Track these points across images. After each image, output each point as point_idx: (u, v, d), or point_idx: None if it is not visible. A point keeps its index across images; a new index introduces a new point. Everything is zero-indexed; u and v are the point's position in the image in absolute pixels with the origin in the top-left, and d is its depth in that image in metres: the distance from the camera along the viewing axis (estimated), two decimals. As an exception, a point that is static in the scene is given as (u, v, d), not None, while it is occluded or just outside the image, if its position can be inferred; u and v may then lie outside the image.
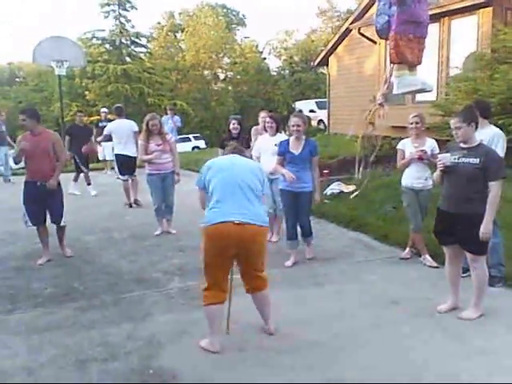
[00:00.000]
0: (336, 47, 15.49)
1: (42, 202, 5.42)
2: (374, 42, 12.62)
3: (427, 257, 5.15)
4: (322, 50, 17.60)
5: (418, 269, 5.06)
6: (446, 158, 3.78)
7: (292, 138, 5.32)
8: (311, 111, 22.50)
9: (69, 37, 15.19)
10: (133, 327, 3.81)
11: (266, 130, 6.41)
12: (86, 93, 31.87)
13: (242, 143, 6.35)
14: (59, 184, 5.54)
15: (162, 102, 31.47)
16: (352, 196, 6.28)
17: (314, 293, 4.49)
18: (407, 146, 5.19)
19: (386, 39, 4.64)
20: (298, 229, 5.47)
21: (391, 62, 4.60)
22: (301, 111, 19.37)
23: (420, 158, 5.03)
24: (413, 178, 5.16)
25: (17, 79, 51.64)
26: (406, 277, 4.84)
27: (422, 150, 5.01)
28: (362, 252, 5.72)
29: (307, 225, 5.45)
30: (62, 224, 5.64)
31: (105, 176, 11.99)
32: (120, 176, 8.48)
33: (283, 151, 5.29)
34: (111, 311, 4.14)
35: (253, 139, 6.84)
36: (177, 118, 13.80)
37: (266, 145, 6.07)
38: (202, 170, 3.59)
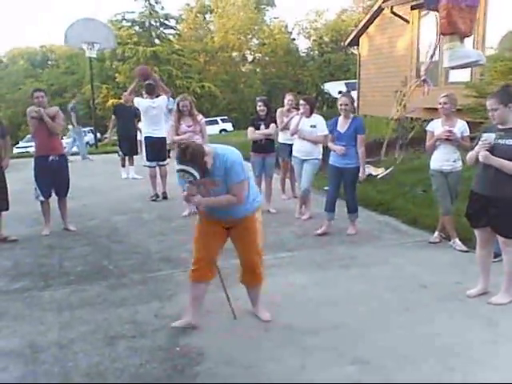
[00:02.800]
0: (367, 27, 15.15)
1: (52, 176, 5.78)
2: (407, 22, 12.29)
3: (457, 241, 5.06)
4: (352, 30, 17.29)
5: (448, 253, 4.97)
6: (490, 138, 3.62)
7: (340, 117, 5.61)
8: (340, 93, 22.16)
9: (99, 19, 15.34)
10: (160, 305, 3.88)
11: (291, 111, 6.70)
12: (116, 75, 32.16)
13: (268, 123, 6.46)
14: (65, 157, 6.02)
15: (190, 84, 31.57)
16: (379, 177, 6.17)
17: (340, 275, 4.47)
18: (436, 128, 5.06)
19: (434, 10, 4.42)
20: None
21: (442, 34, 4.36)
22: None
23: (447, 139, 4.89)
24: (441, 160, 5.03)
25: (49, 62, 52.44)
26: (435, 261, 4.76)
27: (450, 131, 4.88)
28: (391, 235, 5.65)
29: (352, 200, 5.73)
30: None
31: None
32: (147, 163, 7.59)
33: (331, 129, 5.67)
34: (139, 289, 4.22)
35: (278, 121, 6.90)
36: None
37: (302, 126, 6.20)
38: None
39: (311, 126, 6.12)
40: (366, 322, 3.55)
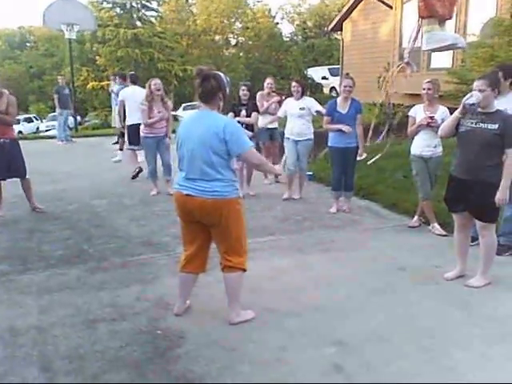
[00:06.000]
0: (351, 12, 15.15)
1: (6, 159, 5.73)
2: (390, 7, 12.31)
3: (436, 225, 5.13)
4: (336, 15, 17.23)
5: (427, 237, 5.05)
6: (478, 95, 3.54)
7: (340, 98, 5.87)
8: (324, 78, 22.14)
9: (79, 0, 15.01)
10: (141, 289, 3.87)
11: (271, 95, 7.08)
12: (97, 58, 31.60)
13: (250, 109, 6.52)
14: (17, 141, 5.96)
15: (172, 67, 31.11)
16: (369, 163, 6.24)
17: (320, 259, 4.50)
18: (418, 113, 5.09)
19: None
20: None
21: (420, 17, 4.38)
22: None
23: (428, 125, 4.93)
24: (422, 146, 5.08)
25: (27, 44, 51.34)
26: (414, 245, 4.83)
27: (431, 117, 4.92)
28: (371, 220, 5.71)
29: (351, 179, 5.98)
30: (27, 177, 5.98)
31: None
32: (130, 146, 7.94)
33: (331, 111, 5.81)
34: (120, 273, 4.20)
35: (259, 104, 7.02)
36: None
37: (291, 109, 6.38)
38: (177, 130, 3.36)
39: (300, 109, 6.30)
40: (346, 304, 3.60)
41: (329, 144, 5.97)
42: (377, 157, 5.69)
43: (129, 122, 7.87)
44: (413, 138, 5.19)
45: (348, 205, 6.03)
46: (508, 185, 3.61)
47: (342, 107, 5.77)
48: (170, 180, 6.88)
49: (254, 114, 6.64)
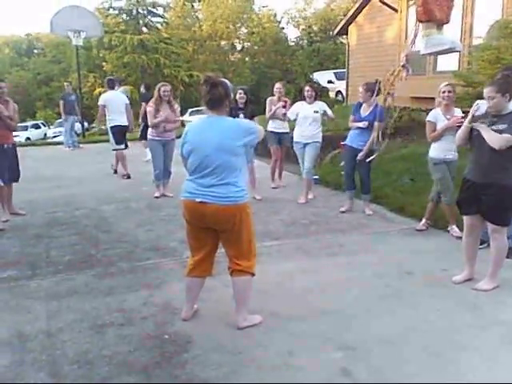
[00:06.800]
0: (356, 16, 15.15)
1: (8, 163, 5.99)
2: (395, 10, 12.31)
3: (455, 227, 5.06)
4: (341, 19, 17.24)
5: (434, 240, 5.03)
6: (483, 106, 3.60)
7: (365, 103, 6.02)
8: (329, 82, 22.10)
9: (86, 7, 15.15)
10: (149, 294, 3.88)
11: (281, 100, 7.07)
12: (103, 64, 31.81)
13: (249, 113, 6.58)
14: (15, 146, 6.22)
15: (178, 73, 31.29)
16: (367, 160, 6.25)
17: (327, 263, 4.50)
18: (439, 118, 5.02)
19: None
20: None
21: (418, 21, 4.39)
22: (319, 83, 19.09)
23: (459, 126, 4.83)
24: (445, 149, 5.00)
25: (35, 50, 51.75)
26: (422, 248, 4.81)
27: (463, 117, 4.74)
28: (378, 223, 5.70)
29: (367, 180, 6.08)
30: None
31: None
32: (117, 146, 8.51)
33: (354, 112, 6.08)
34: (128, 278, 4.22)
35: (267, 109, 7.10)
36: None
37: (305, 112, 6.58)
38: (182, 136, 3.32)
39: (315, 112, 6.54)
40: (353, 308, 3.59)
41: (346, 143, 6.16)
42: (372, 157, 5.68)
43: (111, 123, 8.45)
44: (432, 143, 5.12)
45: (369, 207, 6.12)
46: None
47: (364, 110, 5.94)
48: (166, 183, 7.15)
49: (256, 119, 6.68)
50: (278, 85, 7.23)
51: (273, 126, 7.17)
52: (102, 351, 3.08)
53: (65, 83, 13.68)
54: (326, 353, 3.01)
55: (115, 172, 8.83)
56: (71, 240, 5.26)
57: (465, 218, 3.94)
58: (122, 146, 8.57)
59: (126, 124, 8.55)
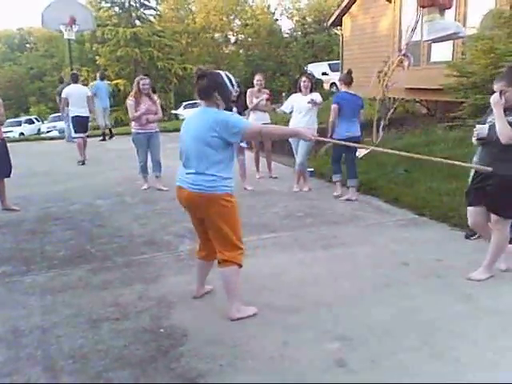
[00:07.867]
0: (350, 7, 15.09)
1: None
2: (389, 1, 12.26)
3: None
4: (335, 10, 17.15)
5: (428, 231, 5.04)
6: (483, 130, 3.65)
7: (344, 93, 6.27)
8: (324, 74, 22.11)
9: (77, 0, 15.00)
10: (144, 288, 3.88)
11: (261, 92, 7.31)
12: (97, 58, 31.60)
13: (241, 106, 6.64)
14: (5, 141, 6.18)
15: (172, 66, 31.12)
16: (359, 157, 6.28)
17: (322, 255, 4.50)
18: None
19: None
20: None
21: (421, 6, 4.32)
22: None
23: None
24: None
25: (27, 45, 51.34)
26: (416, 239, 4.82)
27: None
28: (373, 215, 5.70)
29: (353, 166, 6.32)
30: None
31: (112, 141, 12.18)
32: (76, 134, 9.46)
33: (338, 101, 6.26)
34: (123, 273, 4.21)
35: (248, 101, 7.20)
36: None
37: (300, 103, 6.62)
38: None
39: (308, 102, 6.52)
40: (348, 299, 3.60)
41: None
42: (366, 152, 5.66)
43: (71, 114, 9.63)
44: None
45: (354, 193, 6.24)
46: None
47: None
48: (158, 176, 7.13)
49: (248, 112, 6.86)
50: (258, 76, 7.39)
51: (254, 117, 7.22)
52: (98, 346, 3.07)
53: (62, 74, 13.83)
54: (322, 344, 3.01)
55: (83, 163, 9.37)
56: (66, 235, 5.25)
57: (468, 210, 3.91)
58: (82, 135, 9.45)
59: (86, 115, 9.69)
